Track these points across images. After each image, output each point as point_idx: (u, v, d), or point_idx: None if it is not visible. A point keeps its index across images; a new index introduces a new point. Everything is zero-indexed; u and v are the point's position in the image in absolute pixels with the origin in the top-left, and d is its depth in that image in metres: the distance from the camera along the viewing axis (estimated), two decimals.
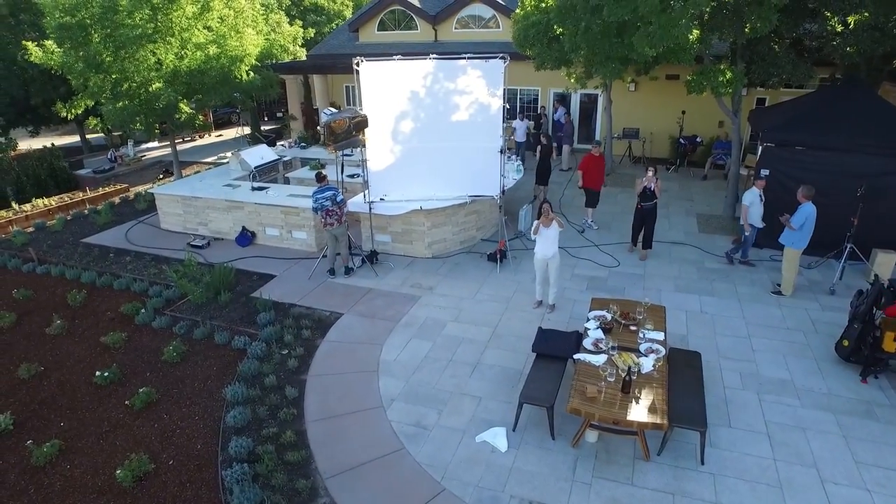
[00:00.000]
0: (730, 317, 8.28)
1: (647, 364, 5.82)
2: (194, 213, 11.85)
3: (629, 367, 5.47)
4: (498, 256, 9.88)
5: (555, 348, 6.54)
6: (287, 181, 13.48)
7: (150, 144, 22.17)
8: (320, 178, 9.26)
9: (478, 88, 9.28)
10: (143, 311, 8.60)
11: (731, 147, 15.56)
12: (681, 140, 15.87)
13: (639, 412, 5.21)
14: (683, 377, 6.04)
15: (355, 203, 10.13)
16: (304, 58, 19.69)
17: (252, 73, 14.92)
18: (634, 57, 10.02)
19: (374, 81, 9.21)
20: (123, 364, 7.45)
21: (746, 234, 9.72)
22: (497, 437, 5.91)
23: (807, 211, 8.47)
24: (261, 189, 11.76)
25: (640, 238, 10.31)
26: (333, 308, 8.64)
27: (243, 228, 11.34)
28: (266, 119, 26.72)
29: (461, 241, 10.72)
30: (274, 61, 16.82)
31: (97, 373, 7.08)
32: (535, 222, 7.99)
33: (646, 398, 5.39)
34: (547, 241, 8.05)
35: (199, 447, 5.97)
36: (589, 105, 18.87)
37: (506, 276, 9.59)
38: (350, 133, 9.07)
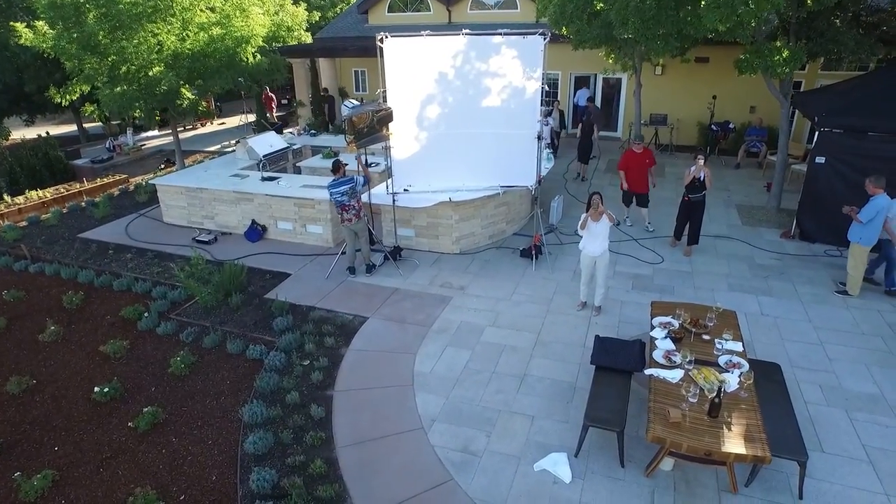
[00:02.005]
0: (795, 320, 7.49)
1: (733, 381, 5.02)
2: (200, 205, 11.02)
3: (719, 387, 4.67)
4: (533, 252, 9.06)
5: (617, 360, 5.74)
6: (298, 170, 12.63)
7: (151, 133, 21.26)
8: (336, 168, 8.42)
9: (513, 70, 8.41)
10: (146, 315, 7.79)
11: (765, 134, 14.84)
12: (712, 126, 14.98)
13: (735, 442, 4.41)
14: (768, 394, 5.24)
15: (377, 195, 9.29)
16: (309, 42, 18.77)
17: (259, 56, 14.01)
18: (692, 32, 9.08)
19: (398, 60, 8.33)
20: (125, 377, 6.65)
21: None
22: (558, 466, 5.12)
23: (879, 204, 7.63)
24: (271, 179, 10.92)
25: (684, 233, 9.50)
26: (357, 311, 7.84)
27: (253, 222, 10.52)
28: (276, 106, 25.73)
29: (490, 236, 9.90)
30: (280, 44, 15.90)
31: (96, 388, 6.28)
32: (583, 216, 7.17)
33: (738, 424, 4.59)
34: (596, 237, 7.23)
35: (213, 478, 5.18)
36: (609, 91, 17.97)
37: (542, 275, 8.78)
38: (373, 128, 8.24)
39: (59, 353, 7.28)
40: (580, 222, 7.20)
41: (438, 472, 5.12)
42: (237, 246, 10.22)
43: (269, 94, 21.14)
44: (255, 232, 10.49)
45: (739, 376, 5.07)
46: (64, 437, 5.79)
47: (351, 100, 12.37)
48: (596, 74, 17.15)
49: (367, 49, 14.46)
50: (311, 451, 5.40)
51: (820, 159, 9.47)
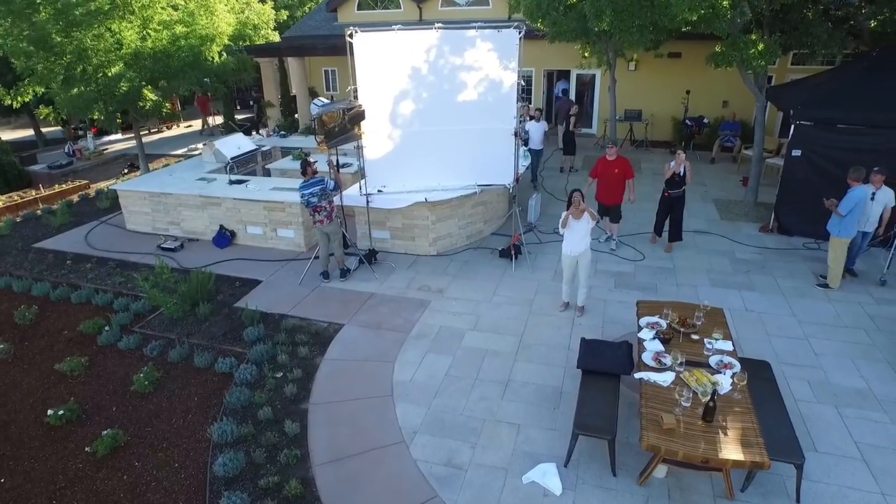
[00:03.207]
0: (778, 314, 7.40)
1: (726, 383, 4.84)
2: (164, 211, 10.52)
3: (714, 390, 4.49)
4: (512, 252, 8.83)
5: (605, 363, 5.53)
6: (268, 173, 12.19)
7: (114, 137, 20.48)
8: (305, 169, 8.05)
9: (488, 63, 8.16)
10: (106, 328, 7.33)
11: (739, 128, 14.89)
12: (686, 121, 14.98)
13: (732, 448, 4.22)
14: (759, 394, 5.08)
15: (350, 196, 8.95)
16: (277, 41, 18.29)
17: (225, 55, 13.51)
18: (666, 23, 8.96)
19: (369, 56, 8.01)
20: (83, 397, 6.20)
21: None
22: (548, 477, 4.88)
23: (857, 196, 7.61)
24: (239, 182, 10.49)
25: (664, 228, 9.38)
26: (332, 318, 7.50)
27: (221, 227, 10.08)
28: (238, 108, 25.10)
29: (468, 236, 9.64)
30: (246, 43, 15.41)
31: (50, 411, 5.82)
32: (564, 214, 6.96)
33: (734, 428, 4.41)
34: (577, 235, 7.03)
35: None
36: (581, 88, 17.91)
37: (523, 275, 8.55)
38: (345, 128, 7.90)
39: (10, 372, 6.78)
40: (561, 220, 6.98)
41: (422, 489, 4.83)
42: (205, 253, 9.77)
43: (205, 96, 20.27)
44: (224, 238, 10.05)
45: (732, 377, 4.89)
46: (13, 466, 5.34)
47: (320, 98, 12.01)
48: (570, 70, 17.05)
49: (337, 47, 14.07)
50: (286, 471, 5.06)
51: (796, 152, 9.44)
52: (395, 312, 7.59)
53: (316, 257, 8.59)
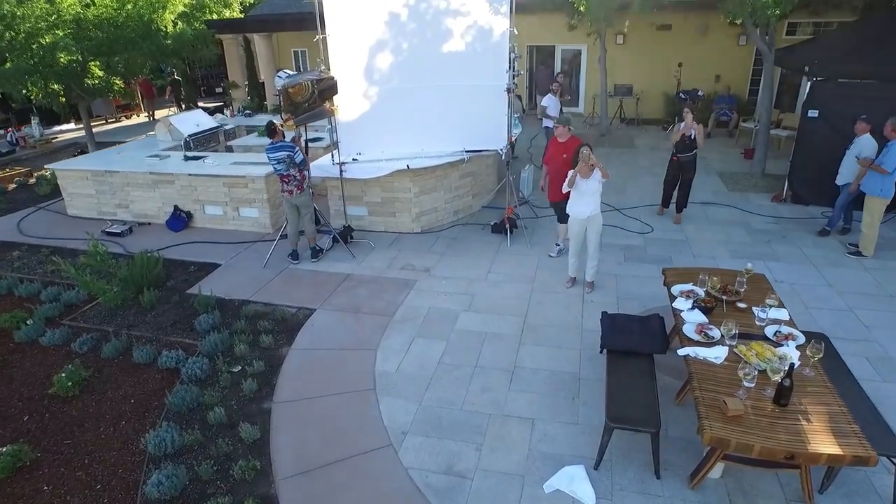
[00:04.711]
0: (813, 285, 6.51)
1: (794, 356, 3.87)
2: (111, 192, 9.25)
3: (792, 364, 3.50)
4: (507, 226, 7.80)
5: (635, 341, 4.53)
6: (230, 150, 10.96)
7: (66, 126, 18.91)
8: (272, 131, 6.93)
9: (476, 6, 7.13)
10: (28, 322, 6.10)
11: (734, 102, 14.13)
12: (681, 94, 14.12)
13: (823, 439, 3.24)
14: (826, 372, 4.13)
15: (321, 166, 7.83)
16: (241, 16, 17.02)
17: (180, 24, 12.24)
18: None
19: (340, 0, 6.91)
20: None
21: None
22: (576, 483, 3.86)
23: None
24: (196, 159, 9.28)
25: (672, 200, 8.48)
26: (302, 303, 6.38)
27: (175, 208, 8.87)
28: (204, 95, 23.64)
29: (455, 211, 8.59)
30: (206, 17, 14.12)
31: None
32: (570, 172, 5.96)
33: (817, 413, 3.43)
34: (585, 195, 6.04)
35: None
36: (568, 67, 17.00)
37: (520, 250, 7.54)
38: (314, 102, 6.82)
39: None
40: (567, 180, 5.98)
41: None
42: (157, 237, 8.55)
43: (146, 79, 18.65)
44: (179, 220, 8.84)
45: (806, 349, 3.91)
46: None
47: (285, 70, 10.84)
48: (555, 46, 16.12)
49: (306, 20, 12.93)
50: (241, 488, 3.95)
51: (813, 113, 8.60)
52: (376, 294, 6.51)
53: (283, 236, 7.46)
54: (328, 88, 6.92)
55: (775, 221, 8.43)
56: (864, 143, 7.17)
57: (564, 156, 6.55)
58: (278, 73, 7.73)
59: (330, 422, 4.54)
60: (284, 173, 6.82)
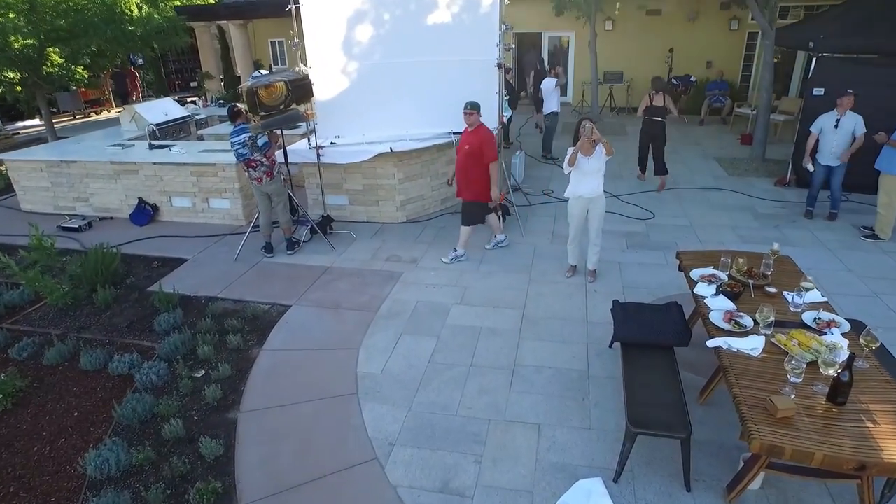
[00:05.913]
0: (832, 270, 6.04)
1: (843, 346, 3.34)
2: (69, 184, 8.50)
3: (852, 355, 2.97)
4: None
5: (653, 333, 3.98)
6: (201, 139, 10.25)
7: (29, 122, 17.98)
8: (235, 113, 6.27)
9: None
10: None
11: (727, 87, 13.72)
12: (673, 80, 13.71)
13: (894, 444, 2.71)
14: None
15: (297, 151, 7.18)
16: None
17: (146, 8, 11.50)
18: None
19: None
20: None
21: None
22: (594, 499, 3.29)
23: None
24: (162, 147, 8.57)
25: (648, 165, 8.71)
26: (275, 299, 5.74)
27: (140, 201, 8.16)
28: (178, 89, 22.72)
29: (442, 199, 8.00)
30: (176, 3, 13.39)
31: None
32: (571, 149, 5.40)
33: (883, 412, 2.90)
34: (587, 175, 5.49)
35: None
36: (552, 58, 16.47)
37: (514, 239, 6.99)
38: (288, 104, 6.20)
39: None
40: (568, 157, 5.41)
41: None
42: (119, 231, 7.85)
43: (133, 70, 18.11)
44: (144, 213, 8.14)
45: (855, 338, 3.39)
46: None
47: (260, 70, 10.17)
48: (542, 33, 15.60)
49: (282, 5, 12.27)
50: None
51: (818, 91, 8.17)
52: (358, 288, 5.89)
53: (256, 227, 6.81)
54: (303, 88, 6.33)
55: (781, 206, 7.99)
56: (857, 119, 6.82)
57: (467, 147, 5.94)
58: (252, 74, 7.10)
59: (305, 433, 3.92)
60: (249, 157, 6.17)
